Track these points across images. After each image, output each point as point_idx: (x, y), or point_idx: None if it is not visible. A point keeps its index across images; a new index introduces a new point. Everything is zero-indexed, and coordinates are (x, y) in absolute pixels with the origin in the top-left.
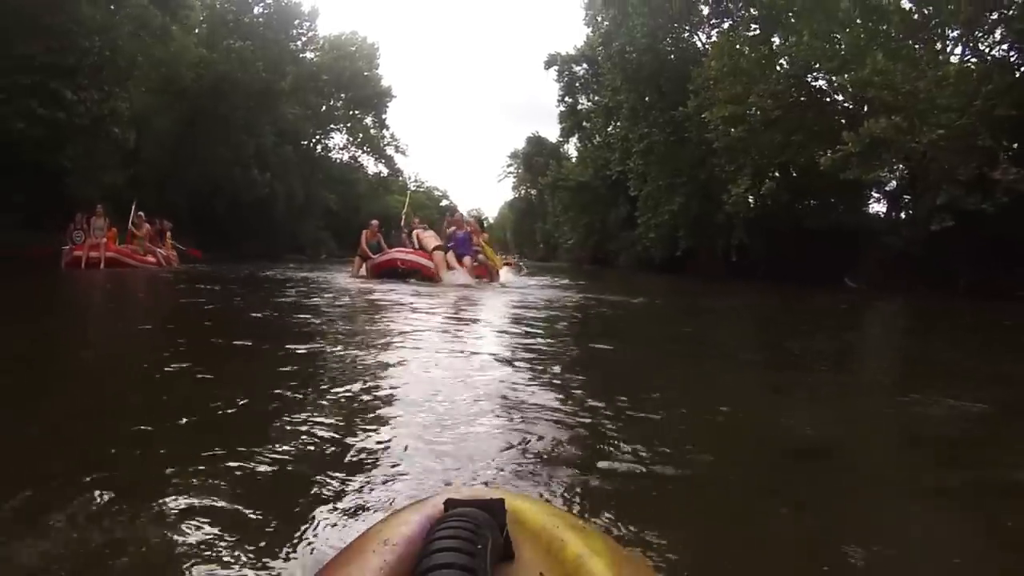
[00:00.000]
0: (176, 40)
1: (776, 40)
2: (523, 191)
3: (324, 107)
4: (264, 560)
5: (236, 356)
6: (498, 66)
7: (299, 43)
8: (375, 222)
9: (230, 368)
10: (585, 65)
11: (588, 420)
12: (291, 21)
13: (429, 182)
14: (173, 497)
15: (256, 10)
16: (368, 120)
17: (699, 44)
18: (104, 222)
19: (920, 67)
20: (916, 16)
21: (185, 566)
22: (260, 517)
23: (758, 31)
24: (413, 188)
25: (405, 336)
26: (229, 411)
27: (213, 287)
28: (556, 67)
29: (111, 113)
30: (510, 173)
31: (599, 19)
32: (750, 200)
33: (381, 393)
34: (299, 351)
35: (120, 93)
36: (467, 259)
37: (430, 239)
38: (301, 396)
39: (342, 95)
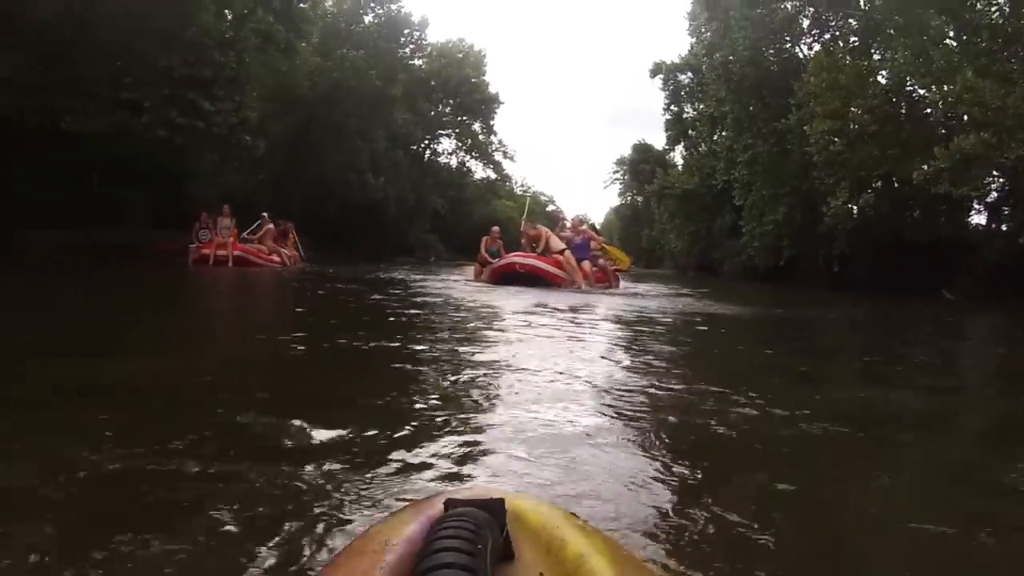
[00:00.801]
0: (298, 53)
1: (876, 56)
2: (629, 198)
3: (433, 112)
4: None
5: (360, 354)
6: (603, 72)
7: (408, 50)
8: (496, 228)
9: (351, 362)
10: (690, 74)
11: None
12: (401, 30)
13: (535, 187)
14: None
15: (367, 19)
16: (476, 126)
17: (801, 55)
18: (231, 222)
19: (1010, 82)
20: (1009, 29)
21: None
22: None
23: (856, 44)
24: (520, 193)
25: (520, 341)
26: (351, 399)
27: (340, 287)
28: (661, 75)
29: (242, 122)
30: (616, 179)
31: (702, 30)
32: (853, 211)
33: (497, 396)
34: (415, 351)
35: (249, 103)
36: (586, 264)
37: (557, 241)
38: (416, 395)
39: (450, 101)
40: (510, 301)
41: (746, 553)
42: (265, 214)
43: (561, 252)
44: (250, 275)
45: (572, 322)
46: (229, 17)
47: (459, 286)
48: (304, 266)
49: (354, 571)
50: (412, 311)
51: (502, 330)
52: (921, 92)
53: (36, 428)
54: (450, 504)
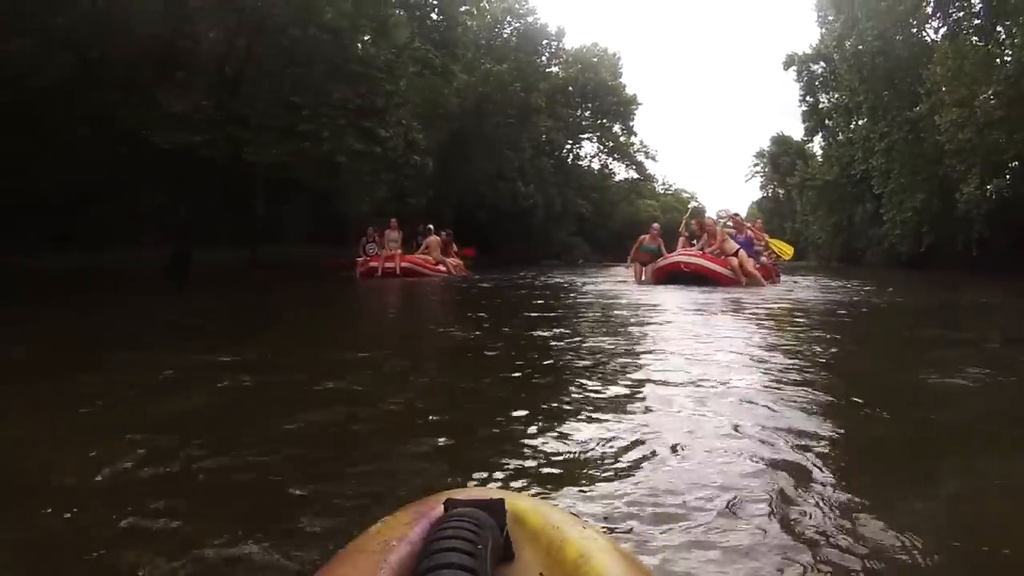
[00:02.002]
0: (458, 77)
1: (1002, 34)
2: (771, 190)
3: (573, 118)
4: None
5: (527, 356)
6: (738, 66)
7: (545, 58)
8: (656, 225)
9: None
10: (822, 63)
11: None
12: (539, 41)
13: (677, 184)
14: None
15: (505, 33)
16: (616, 128)
17: (928, 39)
18: (398, 234)
19: None
20: None
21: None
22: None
23: (981, 24)
24: (662, 191)
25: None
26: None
27: (504, 293)
28: (795, 67)
29: (410, 144)
30: (757, 172)
31: (830, 18)
32: (990, 195)
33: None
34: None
35: (415, 126)
36: (750, 262)
37: (732, 243)
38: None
39: (589, 105)
40: (678, 301)
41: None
42: (431, 226)
43: (735, 254)
44: (422, 285)
45: (751, 321)
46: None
47: (623, 288)
48: (468, 274)
49: (354, 571)
50: (594, 319)
51: (671, 335)
52: None
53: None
54: (450, 504)
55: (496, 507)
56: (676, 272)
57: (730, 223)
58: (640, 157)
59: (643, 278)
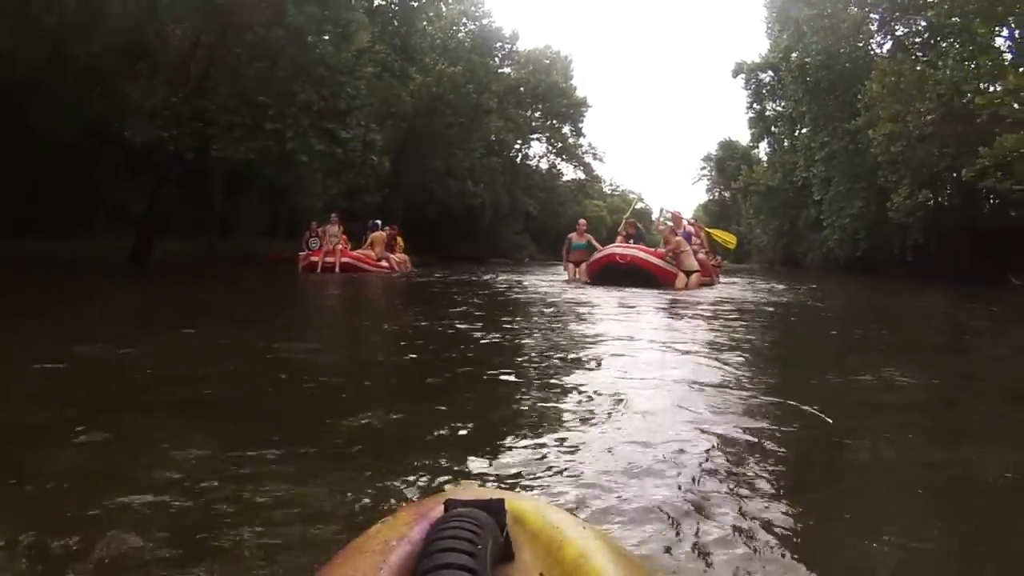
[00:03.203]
0: (414, 79)
1: (944, 49)
2: (717, 193)
3: (523, 118)
4: None
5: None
6: (687, 71)
7: (498, 59)
8: (583, 221)
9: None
10: (770, 72)
11: None
12: (493, 43)
13: (624, 185)
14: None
15: (460, 35)
16: (566, 129)
17: (872, 53)
18: (338, 229)
19: None
20: None
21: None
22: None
23: (927, 39)
24: (609, 192)
25: (629, 346)
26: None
27: (450, 292)
28: (743, 75)
29: (368, 144)
30: (704, 176)
31: (778, 31)
32: (926, 203)
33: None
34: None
35: (373, 127)
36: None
37: (692, 260)
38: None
39: (539, 106)
40: (607, 300)
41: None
42: (378, 221)
43: (689, 274)
44: (362, 281)
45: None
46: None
47: (559, 288)
48: (413, 271)
49: (354, 571)
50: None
51: (606, 335)
52: (970, 95)
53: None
54: (450, 504)
55: (496, 507)
56: (611, 265)
57: (670, 220)
58: (588, 158)
59: (576, 276)
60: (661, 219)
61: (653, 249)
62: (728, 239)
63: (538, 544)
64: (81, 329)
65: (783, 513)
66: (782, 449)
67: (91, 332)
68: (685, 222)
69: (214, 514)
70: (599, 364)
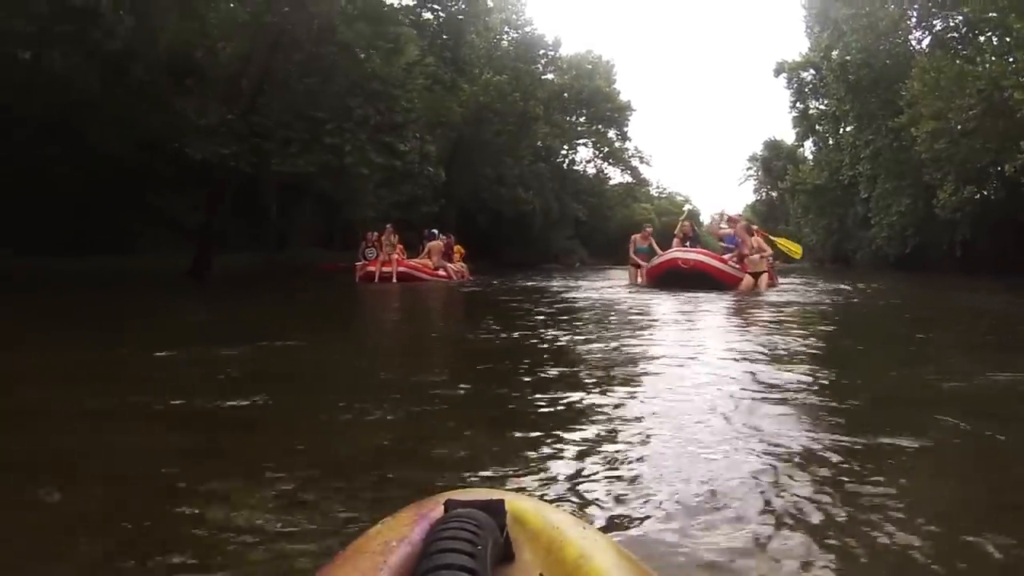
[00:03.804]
0: (464, 90)
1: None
2: (764, 193)
3: (568, 124)
4: None
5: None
6: (729, 71)
7: (541, 65)
8: (648, 226)
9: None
10: (812, 71)
11: None
12: (536, 50)
13: (671, 188)
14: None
15: (504, 44)
16: (611, 133)
17: (912, 48)
18: (395, 239)
19: None
20: None
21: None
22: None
23: (965, 33)
24: (656, 195)
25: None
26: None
27: (512, 299)
28: (785, 74)
29: (425, 156)
30: (750, 176)
31: (817, 29)
32: (975, 198)
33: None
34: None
35: (428, 138)
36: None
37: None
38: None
39: (584, 111)
40: (671, 303)
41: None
42: (435, 230)
43: (757, 276)
44: (421, 290)
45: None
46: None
47: (621, 294)
48: (471, 279)
49: (354, 571)
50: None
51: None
52: (1009, 90)
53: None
54: (450, 505)
55: (496, 507)
56: (673, 270)
57: (724, 224)
58: (635, 162)
59: (638, 280)
60: (718, 221)
61: (714, 253)
62: (794, 249)
63: (538, 544)
64: (164, 341)
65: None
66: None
67: (175, 342)
68: (733, 220)
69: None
70: (675, 365)
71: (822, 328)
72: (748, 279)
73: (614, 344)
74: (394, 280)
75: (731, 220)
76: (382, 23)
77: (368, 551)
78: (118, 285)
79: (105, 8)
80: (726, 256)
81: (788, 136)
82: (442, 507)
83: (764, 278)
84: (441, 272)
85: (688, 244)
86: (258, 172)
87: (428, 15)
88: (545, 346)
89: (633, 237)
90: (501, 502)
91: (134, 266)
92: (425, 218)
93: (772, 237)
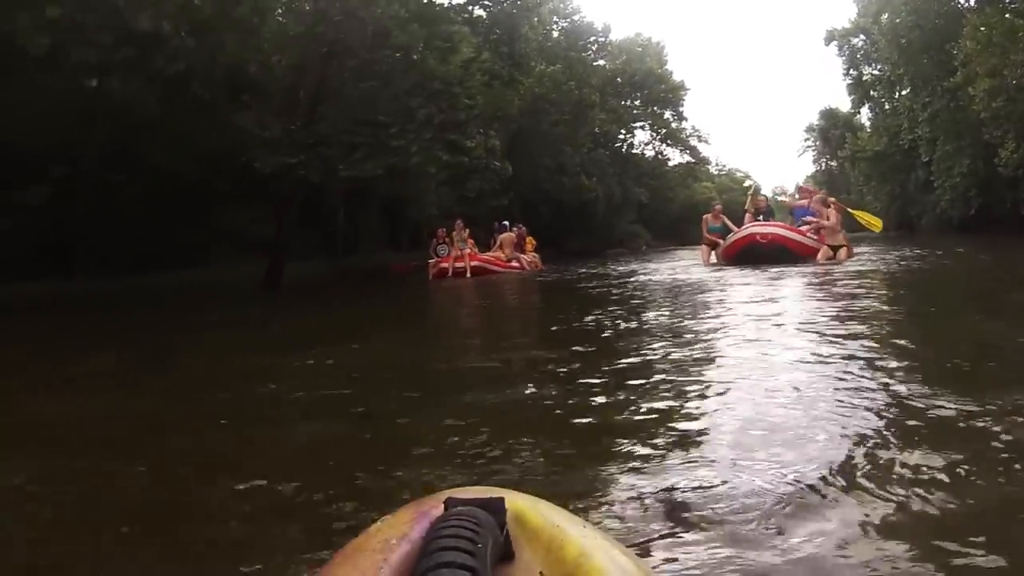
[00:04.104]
0: (522, 83)
1: None
2: (823, 163)
3: (623, 108)
4: None
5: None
6: (780, 41)
7: (592, 52)
8: (718, 205)
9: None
10: (862, 36)
11: None
12: (587, 37)
13: (731, 164)
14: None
15: (554, 34)
16: (667, 114)
17: (960, 7)
18: (465, 234)
19: None
20: None
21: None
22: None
23: (1009, 2)
24: (716, 173)
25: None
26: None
27: (591, 286)
28: (835, 42)
29: (490, 150)
30: (808, 147)
31: None
32: None
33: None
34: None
35: (492, 133)
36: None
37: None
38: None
39: (638, 94)
40: (751, 280)
41: None
42: (506, 222)
43: (836, 249)
44: (496, 283)
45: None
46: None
47: (696, 272)
48: (544, 269)
49: (354, 570)
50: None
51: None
52: None
53: None
54: (450, 503)
55: (496, 506)
56: (752, 245)
57: (797, 195)
58: (693, 141)
59: (712, 260)
60: (793, 194)
61: (792, 225)
62: (874, 222)
63: (538, 543)
64: (283, 348)
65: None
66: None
67: (294, 348)
68: (808, 191)
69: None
70: (766, 342)
71: (914, 294)
72: (825, 250)
73: (711, 323)
74: (468, 275)
75: (804, 191)
76: (435, 24)
77: (368, 549)
78: (200, 298)
79: (167, 32)
80: (803, 228)
81: (844, 104)
82: (442, 505)
83: (843, 251)
84: (514, 264)
85: (761, 218)
86: (325, 180)
87: (480, 12)
88: (643, 327)
89: (704, 217)
90: (501, 500)
91: (202, 280)
92: (493, 212)
93: (850, 210)
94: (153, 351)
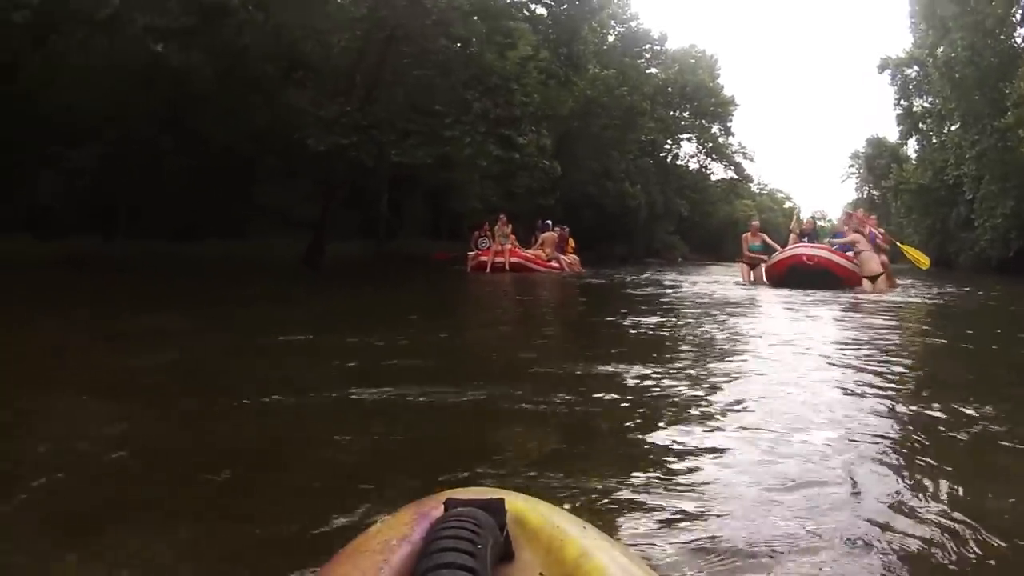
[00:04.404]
0: (577, 85)
1: None
2: (866, 192)
3: (672, 118)
4: None
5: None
6: (831, 66)
7: (646, 59)
8: (756, 222)
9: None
10: (916, 68)
11: None
12: (642, 44)
13: (772, 184)
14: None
15: (610, 38)
16: (715, 128)
17: (1018, 47)
18: (507, 229)
19: None
20: None
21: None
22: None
23: None
24: (757, 191)
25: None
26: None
27: (627, 293)
28: (889, 70)
29: (542, 148)
30: (852, 174)
31: (922, 27)
32: None
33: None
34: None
35: (543, 132)
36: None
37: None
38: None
39: (687, 106)
40: (796, 304)
41: None
42: (548, 221)
43: (874, 279)
44: (535, 281)
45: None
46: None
47: (735, 291)
48: (583, 271)
49: (354, 570)
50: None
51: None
52: None
53: None
54: (450, 504)
55: (496, 506)
56: (798, 267)
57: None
58: (738, 157)
59: (751, 279)
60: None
61: (840, 251)
62: (922, 260)
63: (538, 543)
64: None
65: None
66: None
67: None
68: (870, 225)
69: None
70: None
71: (963, 325)
72: (866, 281)
73: (754, 342)
74: (506, 269)
75: (854, 219)
76: (497, 19)
77: (368, 550)
78: (241, 271)
79: (235, 5)
80: (849, 253)
81: (892, 134)
82: (442, 506)
83: (881, 280)
84: (554, 263)
85: (806, 240)
86: (376, 164)
87: (542, 10)
88: (684, 339)
89: (744, 235)
90: (501, 501)
91: (241, 254)
92: (538, 210)
93: (899, 243)
94: (206, 315)
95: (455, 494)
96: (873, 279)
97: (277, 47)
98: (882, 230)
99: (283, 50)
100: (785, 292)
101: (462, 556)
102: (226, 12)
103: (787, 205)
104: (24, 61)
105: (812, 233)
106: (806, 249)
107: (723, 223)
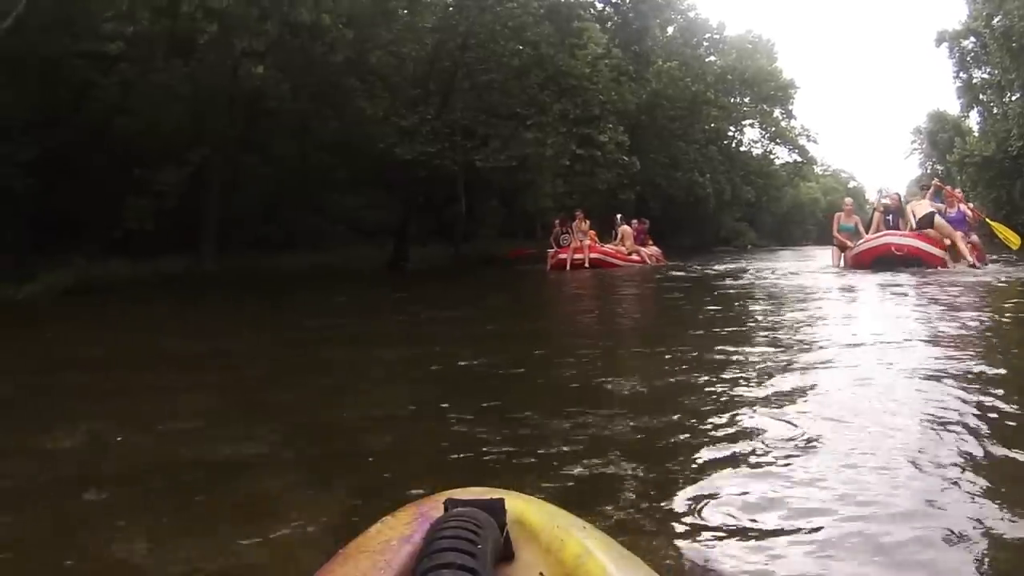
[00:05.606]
0: (647, 80)
1: None
2: (930, 167)
3: (733, 105)
4: None
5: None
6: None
7: (704, 48)
8: (849, 200)
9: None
10: (973, 39)
11: None
12: (701, 34)
13: (835, 166)
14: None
15: (669, 30)
16: (777, 112)
17: None
18: (586, 225)
19: None
20: None
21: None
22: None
23: None
24: (821, 173)
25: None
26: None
27: (717, 284)
28: (946, 43)
29: (619, 145)
30: (915, 150)
31: None
32: None
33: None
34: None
35: (621, 128)
36: (960, 238)
37: (921, 207)
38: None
39: (748, 92)
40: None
41: None
42: (619, 216)
43: (931, 223)
44: (619, 276)
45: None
46: (589, 58)
47: (822, 277)
48: (666, 264)
49: (354, 570)
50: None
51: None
52: None
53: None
54: (450, 504)
55: (496, 506)
56: (886, 256)
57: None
58: (801, 140)
59: (841, 263)
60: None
61: (928, 236)
62: (1012, 238)
63: (538, 543)
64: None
65: None
66: None
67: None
68: (958, 201)
69: None
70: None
71: None
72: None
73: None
74: (586, 265)
75: (938, 188)
76: (568, 21)
77: (368, 550)
78: (333, 280)
79: (327, 24)
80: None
81: (953, 107)
82: (442, 506)
83: (967, 252)
84: (635, 257)
85: (891, 218)
86: (461, 169)
87: (609, 8)
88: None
89: (836, 215)
90: (501, 501)
91: (326, 262)
92: (611, 206)
93: (988, 220)
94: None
95: (455, 494)
96: (950, 250)
97: (358, 61)
98: (971, 205)
99: (358, 63)
100: (881, 277)
101: (462, 556)
102: (320, 31)
103: (851, 185)
104: (92, 87)
105: (896, 210)
106: (895, 238)
107: (790, 207)
